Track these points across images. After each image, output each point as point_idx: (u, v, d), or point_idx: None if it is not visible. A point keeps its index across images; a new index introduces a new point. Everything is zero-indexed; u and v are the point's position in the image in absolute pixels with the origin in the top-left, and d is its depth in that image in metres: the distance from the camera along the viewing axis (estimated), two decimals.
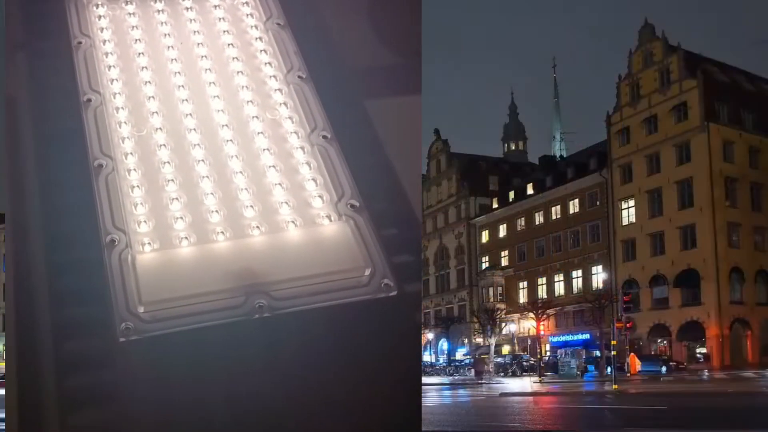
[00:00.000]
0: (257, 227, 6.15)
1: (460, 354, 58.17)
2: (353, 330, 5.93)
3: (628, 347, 40.95)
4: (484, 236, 61.56)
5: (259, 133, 6.69)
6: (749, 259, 42.78)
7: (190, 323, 5.64)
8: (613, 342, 26.62)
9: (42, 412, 5.76)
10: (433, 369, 49.92)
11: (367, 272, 5.90)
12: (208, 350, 5.69)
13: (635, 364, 37.64)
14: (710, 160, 41.88)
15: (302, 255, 5.98)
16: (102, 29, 7.25)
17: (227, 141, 6.63)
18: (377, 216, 6.25)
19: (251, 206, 6.27)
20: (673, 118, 43.90)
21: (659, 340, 44.91)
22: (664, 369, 38.09)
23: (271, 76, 7.05)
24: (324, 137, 6.64)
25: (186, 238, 6.07)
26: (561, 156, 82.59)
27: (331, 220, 6.18)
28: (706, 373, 36.02)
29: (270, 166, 6.49)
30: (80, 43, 7.12)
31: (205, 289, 5.76)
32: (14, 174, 7.02)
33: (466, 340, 60.42)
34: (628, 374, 36.15)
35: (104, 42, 7.17)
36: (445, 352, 61.58)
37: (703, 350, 42.42)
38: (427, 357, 59.57)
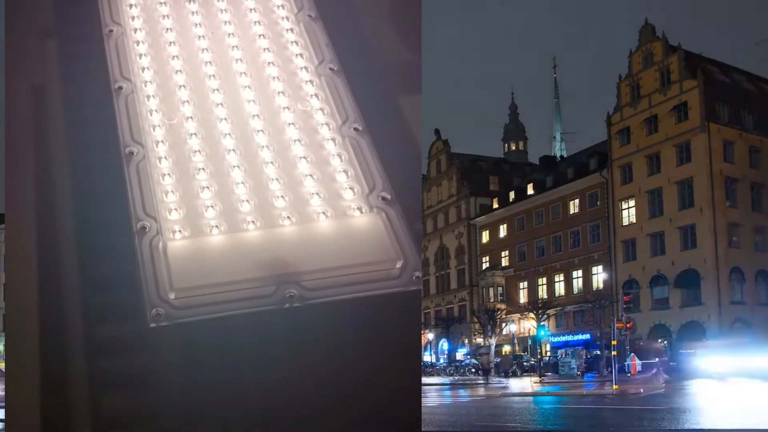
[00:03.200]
0: (288, 217, 6.17)
1: (460, 354, 58.18)
2: (383, 321, 5.96)
3: (628, 347, 41.07)
4: (485, 236, 61.56)
5: (290, 124, 6.71)
6: (749, 259, 42.79)
7: (220, 311, 5.67)
8: (614, 342, 26.61)
9: (71, 395, 5.80)
10: (434, 369, 49.85)
11: (399, 264, 5.93)
12: (237, 338, 5.73)
13: (635, 364, 37.76)
14: (710, 160, 41.88)
15: (333, 246, 6.00)
16: (133, 18, 7.28)
17: (258, 131, 6.65)
18: (408, 209, 6.27)
19: (282, 196, 6.29)
20: (673, 118, 43.90)
21: (659, 341, 44.95)
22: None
23: (302, 68, 7.07)
24: (355, 129, 6.66)
25: (216, 226, 6.10)
26: (561, 156, 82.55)
27: (362, 212, 6.21)
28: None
29: (301, 157, 6.51)
30: (111, 31, 7.14)
31: (236, 277, 5.79)
32: (41, 160, 7.04)
33: (466, 341, 60.43)
34: (629, 374, 36.24)
35: (135, 30, 7.19)
36: (446, 352, 61.63)
37: None
38: (427, 357, 59.56)
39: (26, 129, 7.32)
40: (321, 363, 5.82)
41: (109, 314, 6.00)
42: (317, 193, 6.29)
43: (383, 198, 6.25)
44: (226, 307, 5.66)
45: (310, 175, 6.38)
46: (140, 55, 7.04)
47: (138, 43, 7.13)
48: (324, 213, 6.19)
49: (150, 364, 5.76)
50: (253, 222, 6.13)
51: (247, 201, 6.24)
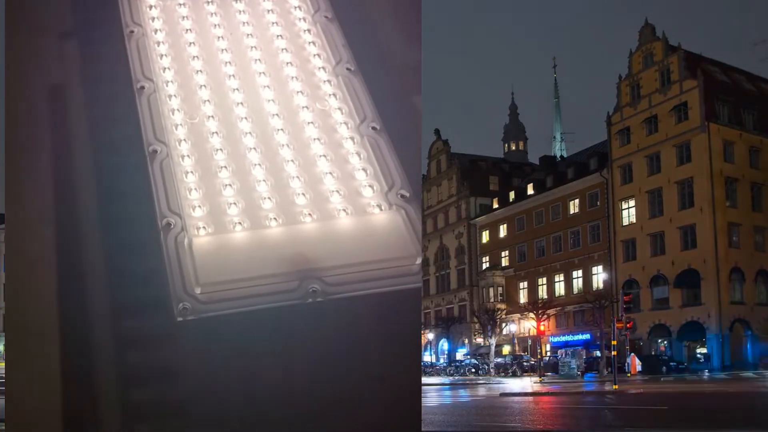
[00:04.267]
0: (309, 214, 6.30)
1: (460, 354, 58.29)
2: (403, 316, 6.09)
3: (628, 347, 41.20)
4: (485, 236, 61.71)
5: (309, 123, 6.84)
6: (749, 259, 42.97)
7: (245, 305, 5.80)
8: (614, 342, 26.71)
9: (99, 389, 5.94)
10: (434, 369, 49.92)
11: (418, 260, 6.06)
12: (262, 332, 5.86)
13: (635, 364, 37.92)
14: (710, 160, 42.05)
15: (355, 242, 6.13)
16: (153, 19, 7.40)
17: (278, 130, 6.78)
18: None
19: (303, 194, 6.42)
20: (673, 118, 44.07)
21: (659, 341, 45.12)
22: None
23: (319, 68, 7.20)
24: (373, 128, 6.79)
25: (240, 223, 6.22)
26: (561, 156, 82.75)
27: (381, 209, 6.33)
28: (707, 374, 36.26)
29: (320, 156, 6.64)
30: (132, 32, 7.27)
31: (260, 272, 5.91)
32: (60, 159, 7.16)
33: (466, 341, 60.56)
34: (629, 374, 36.38)
35: (156, 31, 7.32)
36: (446, 352, 61.74)
37: (704, 350, 42.64)
38: (427, 357, 59.67)
39: (43, 129, 7.44)
40: (342, 357, 5.96)
41: (136, 309, 6.14)
42: (337, 191, 6.42)
43: (402, 195, 6.38)
44: (251, 301, 5.78)
45: (330, 173, 6.51)
46: (161, 56, 7.17)
47: (158, 43, 7.26)
48: (344, 210, 6.32)
49: (177, 357, 5.90)
50: (275, 219, 6.25)
51: (269, 198, 6.37)
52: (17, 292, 6.62)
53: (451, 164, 65.79)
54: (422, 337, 55.22)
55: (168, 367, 5.94)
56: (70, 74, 7.55)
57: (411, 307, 6.24)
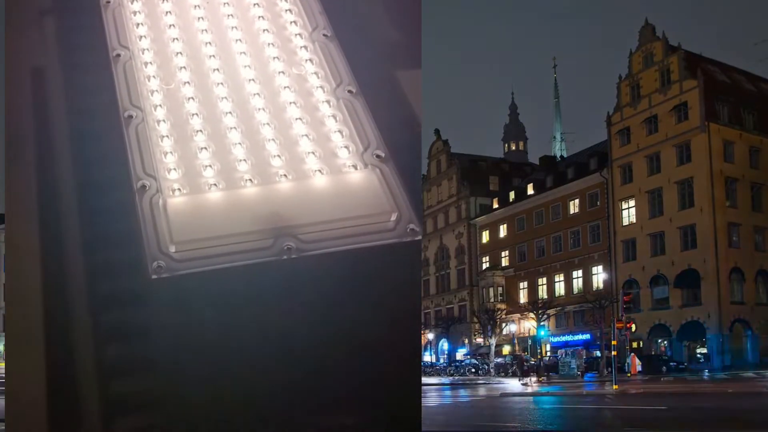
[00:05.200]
0: (285, 175, 6.32)
1: (460, 354, 58.25)
2: (380, 272, 6.11)
3: (628, 347, 41.13)
4: (485, 236, 61.72)
5: (285, 87, 6.86)
6: (749, 259, 42.94)
7: (220, 263, 5.81)
8: (614, 342, 26.66)
9: (74, 346, 5.97)
10: (434, 369, 49.87)
11: (394, 217, 6.07)
12: (236, 289, 5.87)
13: (635, 364, 37.83)
14: (710, 160, 42.06)
15: (329, 200, 6.15)
16: None
17: (254, 95, 6.80)
18: (405, 167, 6.44)
19: (278, 156, 6.44)
20: (673, 118, 44.10)
21: (659, 341, 45.03)
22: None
23: (296, 35, 7.23)
24: (349, 92, 6.82)
25: (215, 184, 6.24)
26: (561, 156, 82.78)
27: (357, 169, 6.35)
28: (707, 374, 36.16)
29: (296, 119, 6.66)
30: (108, 2, 7.33)
31: (235, 230, 5.92)
32: (40, 124, 7.22)
33: (466, 341, 60.51)
34: (629, 374, 36.30)
35: (132, 1, 7.38)
36: (446, 352, 61.68)
37: (704, 350, 42.55)
38: (427, 357, 59.61)
39: (27, 108, 7.50)
40: (318, 312, 5.99)
41: (111, 269, 6.19)
42: (313, 152, 6.44)
43: (377, 156, 6.39)
44: (225, 259, 5.79)
45: (306, 136, 6.54)
46: (137, 25, 7.21)
47: (135, 13, 7.30)
48: (320, 171, 6.34)
49: (152, 314, 5.93)
50: (250, 180, 6.27)
51: (245, 161, 6.39)
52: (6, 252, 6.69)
53: (451, 164, 65.85)
54: (422, 337, 55.16)
55: (143, 324, 5.97)
56: (51, 52, 7.62)
57: (398, 262, 6.16)
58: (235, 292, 5.83)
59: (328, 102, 6.74)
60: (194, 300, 5.82)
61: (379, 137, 6.50)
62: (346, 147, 6.47)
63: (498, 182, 64.44)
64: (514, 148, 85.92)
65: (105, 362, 5.97)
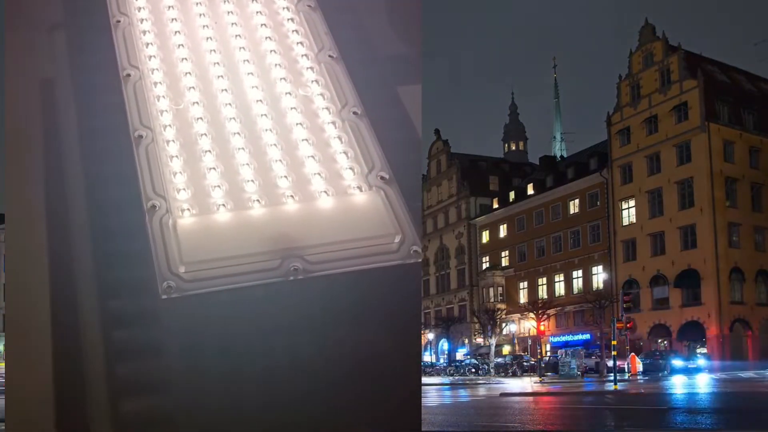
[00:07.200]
0: (291, 196, 6.45)
1: (460, 354, 58.34)
2: (383, 293, 6.24)
3: (628, 347, 41.23)
4: (485, 236, 61.80)
5: (291, 108, 7.00)
6: (749, 259, 42.97)
7: (228, 283, 5.95)
8: (614, 342, 26.74)
9: (85, 365, 6.09)
10: (434, 369, 49.95)
11: (397, 239, 6.20)
12: (244, 309, 6.02)
13: (636, 364, 37.92)
14: (710, 160, 42.08)
15: (335, 222, 6.28)
16: (139, 9, 7.59)
17: (261, 115, 6.94)
18: (407, 188, 6.57)
19: (285, 177, 6.57)
20: (673, 118, 44.12)
21: (659, 341, 45.14)
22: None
23: (302, 55, 7.38)
24: (354, 113, 6.95)
25: (223, 205, 6.38)
26: (561, 156, 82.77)
27: (362, 191, 6.48)
28: (707, 374, 36.25)
29: (302, 140, 6.80)
30: (119, 21, 7.45)
31: (243, 251, 6.06)
32: (50, 145, 7.34)
33: (466, 341, 60.62)
34: (629, 374, 36.40)
35: (141, 21, 7.50)
36: (446, 352, 61.78)
37: (704, 350, 42.64)
38: (427, 357, 59.70)
39: (34, 120, 7.62)
40: (323, 331, 6.12)
41: (122, 288, 6.32)
42: (319, 174, 6.57)
43: (381, 177, 6.53)
44: (234, 279, 5.94)
45: (312, 157, 6.67)
46: (147, 44, 7.35)
47: (144, 32, 7.44)
48: (325, 192, 6.47)
49: (162, 334, 6.07)
50: (258, 201, 6.41)
51: (252, 181, 6.52)
52: (14, 282, 6.78)
53: (451, 164, 65.89)
54: (422, 337, 55.28)
55: (153, 344, 6.11)
56: (61, 66, 7.75)
57: (401, 283, 6.31)
58: (243, 311, 5.97)
59: (333, 123, 6.88)
60: (203, 320, 5.95)
61: (383, 158, 6.63)
62: (351, 168, 6.60)
63: (498, 182, 64.48)
64: (514, 148, 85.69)
65: (115, 381, 6.11)
